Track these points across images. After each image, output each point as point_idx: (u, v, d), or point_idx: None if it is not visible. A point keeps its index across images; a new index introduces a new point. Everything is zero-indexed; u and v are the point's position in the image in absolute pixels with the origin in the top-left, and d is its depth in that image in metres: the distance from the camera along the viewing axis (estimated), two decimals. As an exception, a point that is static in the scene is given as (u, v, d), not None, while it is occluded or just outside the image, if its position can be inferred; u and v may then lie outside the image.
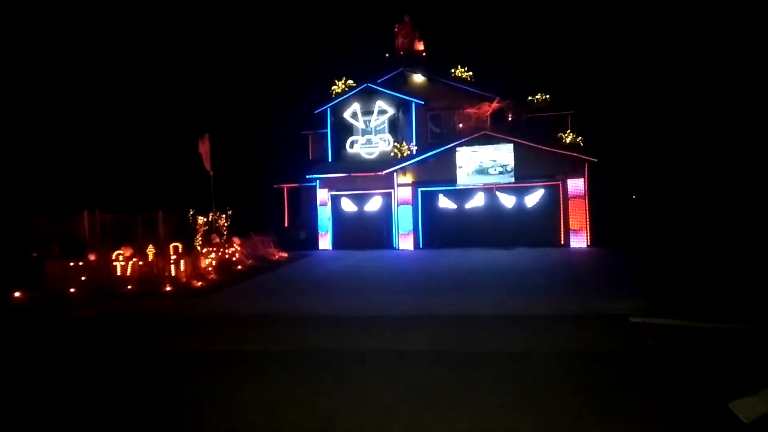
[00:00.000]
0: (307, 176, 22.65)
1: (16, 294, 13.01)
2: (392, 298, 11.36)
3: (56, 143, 27.75)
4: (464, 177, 20.63)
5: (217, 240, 16.93)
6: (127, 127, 30.83)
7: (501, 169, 20.31)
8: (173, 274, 14.48)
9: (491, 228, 20.49)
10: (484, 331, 8.32)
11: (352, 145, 23.08)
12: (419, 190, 21.43)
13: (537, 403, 5.22)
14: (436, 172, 21.01)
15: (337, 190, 22.49)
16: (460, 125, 22.40)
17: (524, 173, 20.12)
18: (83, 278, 13.98)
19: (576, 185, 19.87)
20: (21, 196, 23.14)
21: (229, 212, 18.10)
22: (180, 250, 15.02)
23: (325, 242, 22.46)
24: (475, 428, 4.73)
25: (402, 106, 22.78)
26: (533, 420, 4.84)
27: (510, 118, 23.12)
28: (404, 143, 22.05)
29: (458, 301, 10.76)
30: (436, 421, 4.91)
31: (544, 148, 19.97)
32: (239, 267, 17.05)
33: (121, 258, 14.30)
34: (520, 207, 20.56)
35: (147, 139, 30.63)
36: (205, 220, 16.76)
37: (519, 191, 20.53)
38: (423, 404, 5.27)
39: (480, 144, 20.46)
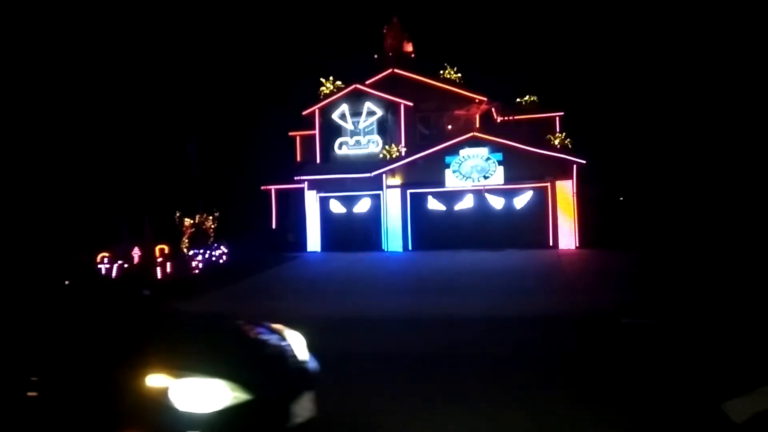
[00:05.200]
0: (295, 178, 22.51)
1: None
2: (381, 300, 11.28)
3: (38, 143, 27.37)
4: (453, 179, 20.60)
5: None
6: (112, 128, 30.49)
7: (490, 171, 20.29)
8: (159, 276, 14.31)
9: (480, 230, 20.45)
10: (474, 333, 8.27)
11: (340, 146, 22.97)
12: (408, 191, 21.36)
13: (529, 404, 5.17)
14: (425, 174, 20.96)
15: (325, 192, 22.36)
16: (449, 127, 22.37)
17: (513, 175, 20.12)
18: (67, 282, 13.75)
19: (564, 187, 19.90)
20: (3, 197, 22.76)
21: (216, 214, 17.94)
22: (166, 252, 14.85)
23: (313, 244, 22.32)
24: (468, 429, 4.67)
25: (391, 108, 22.71)
26: (526, 421, 4.79)
27: (499, 120, 23.16)
28: (393, 145, 21.99)
29: (447, 303, 10.70)
30: (430, 422, 4.87)
31: (532, 149, 19.99)
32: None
33: (105, 260, 14.10)
34: (508, 209, 20.56)
35: (133, 139, 30.32)
36: (192, 221, 16.60)
37: (508, 193, 20.53)
38: (416, 406, 5.21)
39: (469, 146, 20.44)
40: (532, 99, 23.82)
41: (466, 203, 20.87)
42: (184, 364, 3.51)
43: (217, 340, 4.27)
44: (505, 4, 46.75)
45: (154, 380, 3.34)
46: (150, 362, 3.44)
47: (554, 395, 5.39)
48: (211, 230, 17.66)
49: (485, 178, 20.29)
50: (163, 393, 3.30)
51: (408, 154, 21.49)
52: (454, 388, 5.71)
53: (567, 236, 19.80)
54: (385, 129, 22.67)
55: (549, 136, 20.99)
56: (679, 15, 32.10)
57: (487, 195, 20.62)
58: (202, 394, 3.35)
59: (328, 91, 23.29)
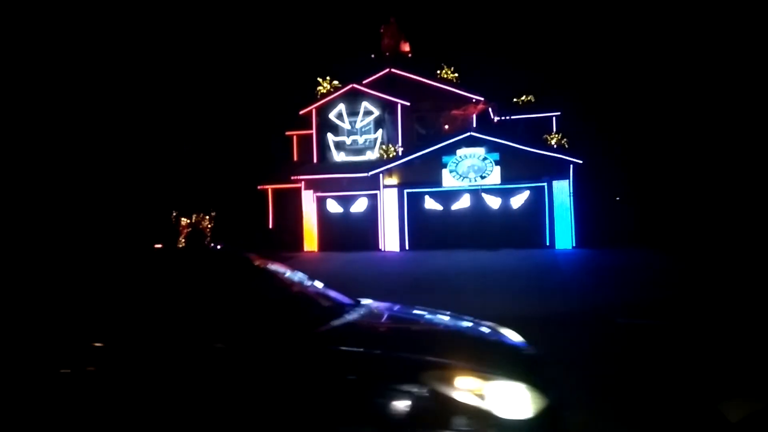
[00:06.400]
0: (292, 177, 22.50)
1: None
2: (378, 299, 11.28)
3: (34, 143, 27.28)
4: (450, 178, 20.62)
5: None
6: (107, 127, 30.40)
7: (486, 171, 20.32)
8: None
9: (477, 229, 20.46)
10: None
11: (337, 146, 22.97)
12: (405, 191, 21.37)
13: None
14: (422, 174, 20.97)
15: (322, 192, 22.36)
16: (446, 126, 22.40)
17: (510, 175, 20.14)
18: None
19: (561, 187, 19.94)
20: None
21: (213, 214, 17.92)
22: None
23: (310, 244, 22.31)
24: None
25: (388, 108, 22.72)
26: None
27: (496, 120, 23.21)
28: (390, 145, 22.00)
29: (444, 302, 10.67)
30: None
31: (529, 149, 20.02)
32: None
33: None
34: (505, 208, 20.58)
35: (129, 138, 30.24)
36: (188, 221, 16.57)
37: (504, 193, 20.55)
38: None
39: (466, 145, 20.46)
40: (528, 99, 23.87)
41: (463, 203, 20.89)
42: (490, 367, 3.25)
43: (482, 340, 4.02)
44: (502, 4, 46.78)
45: (464, 383, 3.07)
46: (456, 364, 3.21)
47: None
48: (208, 230, 17.64)
49: (482, 177, 20.32)
50: (476, 396, 3.03)
51: (405, 154, 21.50)
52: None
53: (564, 236, 19.83)
54: (382, 129, 22.67)
55: (546, 135, 21.03)
56: (677, 13, 32.18)
57: (483, 195, 20.64)
58: (512, 398, 3.09)
59: (325, 91, 23.31)
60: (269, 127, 28.13)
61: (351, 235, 21.79)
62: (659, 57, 31.10)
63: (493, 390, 3.07)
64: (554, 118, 23.65)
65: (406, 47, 24.75)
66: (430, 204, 21.26)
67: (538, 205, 20.23)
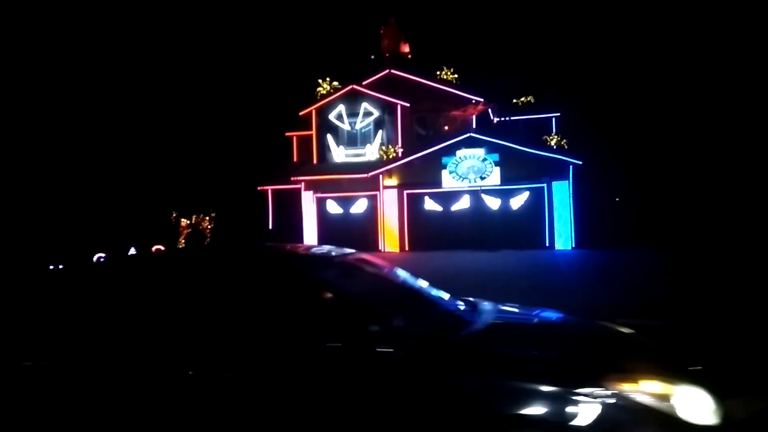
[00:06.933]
0: (292, 178, 22.50)
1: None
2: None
3: (36, 144, 27.27)
4: (450, 179, 20.62)
5: None
6: (108, 128, 30.40)
7: (486, 172, 20.32)
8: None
9: (477, 230, 20.46)
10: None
11: (337, 147, 22.97)
12: (405, 192, 21.37)
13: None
14: (422, 175, 20.98)
15: (322, 193, 22.36)
16: (446, 127, 22.41)
17: (509, 175, 20.15)
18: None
19: (561, 187, 19.95)
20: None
21: (213, 214, 17.93)
22: (162, 252, 14.82)
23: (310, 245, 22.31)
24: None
25: (388, 108, 22.72)
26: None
27: (495, 121, 23.22)
28: (390, 145, 22.00)
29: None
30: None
31: (529, 150, 20.03)
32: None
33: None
34: (505, 209, 20.59)
35: (129, 139, 30.24)
36: (188, 222, 16.57)
37: (504, 193, 20.56)
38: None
39: (465, 146, 20.47)
40: (528, 99, 23.89)
41: (463, 204, 20.89)
42: (674, 371, 3.19)
43: (646, 343, 3.92)
44: (501, 5, 46.84)
45: (651, 387, 2.98)
46: (642, 367, 3.15)
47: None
48: (208, 231, 17.64)
49: (482, 178, 20.33)
50: (663, 401, 2.93)
51: (405, 155, 21.51)
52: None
53: (563, 236, 19.85)
54: (381, 129, 22.68)
55: (545, 136, 21.05)
56: (676, 13, 32.22)
57: (483, 195, 20.64)
58: (697, 404, 2.99)
59: (324, 92, 23.32)
60: (269, 127, 28.15)
61: (351, 236, 21.74)
62: (659, 57, 31.13)
63: (680, 395, 2.99)
64: (554, 119, 23.67)
65: (405, 48, 24.77)
66: (430, 205, 21.26)
67: (537, 206, 20.23)
